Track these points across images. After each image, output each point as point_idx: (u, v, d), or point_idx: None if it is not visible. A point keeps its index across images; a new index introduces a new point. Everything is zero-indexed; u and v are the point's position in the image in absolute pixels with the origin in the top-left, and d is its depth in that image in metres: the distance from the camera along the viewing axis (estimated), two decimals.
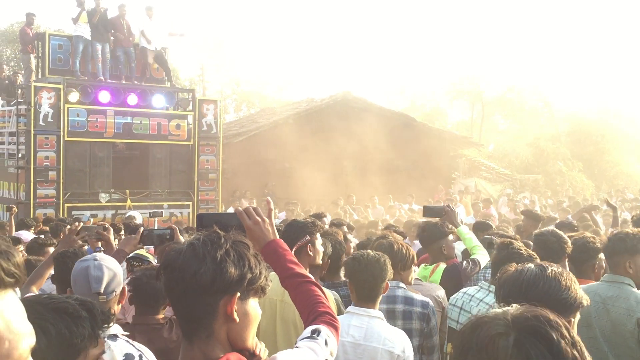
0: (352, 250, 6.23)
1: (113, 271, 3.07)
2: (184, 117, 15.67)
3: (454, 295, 4.22)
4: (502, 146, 37.95)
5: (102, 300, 2.93)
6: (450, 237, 5.21)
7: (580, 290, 2.25)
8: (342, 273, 4.59)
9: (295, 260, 2.31)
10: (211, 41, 46.52)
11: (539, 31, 65.99)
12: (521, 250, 3.95)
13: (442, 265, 5.04)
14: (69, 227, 4.69)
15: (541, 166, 30.03)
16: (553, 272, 2.25)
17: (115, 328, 2.83)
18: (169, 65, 16.41)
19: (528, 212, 8.96)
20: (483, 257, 5.11)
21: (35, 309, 1.91)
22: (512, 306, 1.46)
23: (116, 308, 3.10)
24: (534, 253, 4.10)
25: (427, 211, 5.80)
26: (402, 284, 4.12)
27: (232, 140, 19.21)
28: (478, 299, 4.05)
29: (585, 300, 2.24)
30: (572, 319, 2.19)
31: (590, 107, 42.19)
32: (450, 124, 45.86)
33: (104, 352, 2.17)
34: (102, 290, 2.97)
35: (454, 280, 4.73)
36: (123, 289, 3.13)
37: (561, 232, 4.63)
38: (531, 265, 2.32)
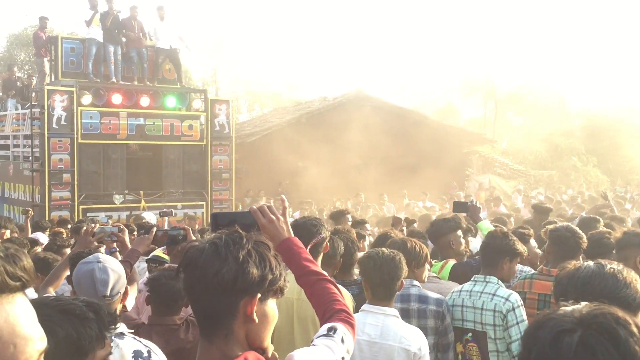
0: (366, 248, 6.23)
1: (117, 273, 3.08)
2: (197, 118, 15.72)
3: (448, 297, 4.20)
4: (516, 142, 37.77)
5: (107, 303, 2.94)
6: (459, 232, 5.21)
7: None
8: (353, 272, 4.59)
9: (311, 257, 2.31)
10: (217, 41, 46.58)
11: (552, 27, 65.60)
12: (511, 239, 4.12)
13: (451, 262, 5.03)
14: (84, 228, 4.71)
15: (555, 162, 29.90)
16: (611, 270, 2.19)
17: (121, 327, 2.85)
18: (181, 65, 16.49)
19: (537, 206, 8.93)
20: None
21: (43, 311, 1.91)
22: (581, 304, 1.43)
23: (119, 307, 3.12)
24: (519, 243, 4.20)
25: (456, 206, 5.99)
26: (416, 282, 4.10)
27: (245, 140, 19.25)
28: (478, 292, 4.07)
29: None
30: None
31: (604, 101, 41.91)
32: (463, 120, 45.68)
33: (110, 353, 2.18)
34: (108, 293, 2.98)
35: (461, 277, 4.72)
36: (126, 289, 3.14)
37: (576, 228, 4.61)
38: (590, 263, 2.28)
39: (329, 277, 2.30)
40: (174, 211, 12.86)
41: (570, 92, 45.01)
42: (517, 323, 3.91)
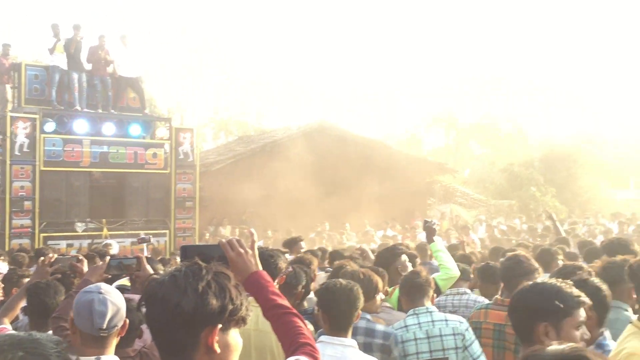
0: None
1: (117, 306, 3.01)
2: (161, 146, 15.72)
3: (397, 334, 4.18)
4: (477, 172, 38.33)
5: (103, 335, 2.92)
6: (403, 257, 5.39)
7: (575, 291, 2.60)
8: (305, 303, 4.64)
9: (277, 291, 2.34)
10: (184, 69, 46.58)
11: (512, 59, 67.06)
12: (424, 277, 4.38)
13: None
14: (41, 258, 4.65)
15: (515, 191, 30.35)
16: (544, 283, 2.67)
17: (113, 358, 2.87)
18: (144, 93, 16.51)
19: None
20: (444, 279, 5.33)
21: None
22: (562, 345, 1.59)
23: (116, 340, 3.06)
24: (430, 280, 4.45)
25: (424, 225, 6.27)
26: (367, 315, 4.13)
27: (209, 169, 19.24)
28: (428, 322, 4.19)
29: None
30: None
31: (563, 132, 42.83)
32: (425, 150, 46.24)
33: None
34: (104, 326, 2.93)
35: None
36: (125, 322, 3.07)
37: (519, 254, 4.65)
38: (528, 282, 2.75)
39: (295, 311, 2.32)
40: (152, 238, 12.55)
41: (531, 123, 46.02)
42: (474, 340, 4.13)
